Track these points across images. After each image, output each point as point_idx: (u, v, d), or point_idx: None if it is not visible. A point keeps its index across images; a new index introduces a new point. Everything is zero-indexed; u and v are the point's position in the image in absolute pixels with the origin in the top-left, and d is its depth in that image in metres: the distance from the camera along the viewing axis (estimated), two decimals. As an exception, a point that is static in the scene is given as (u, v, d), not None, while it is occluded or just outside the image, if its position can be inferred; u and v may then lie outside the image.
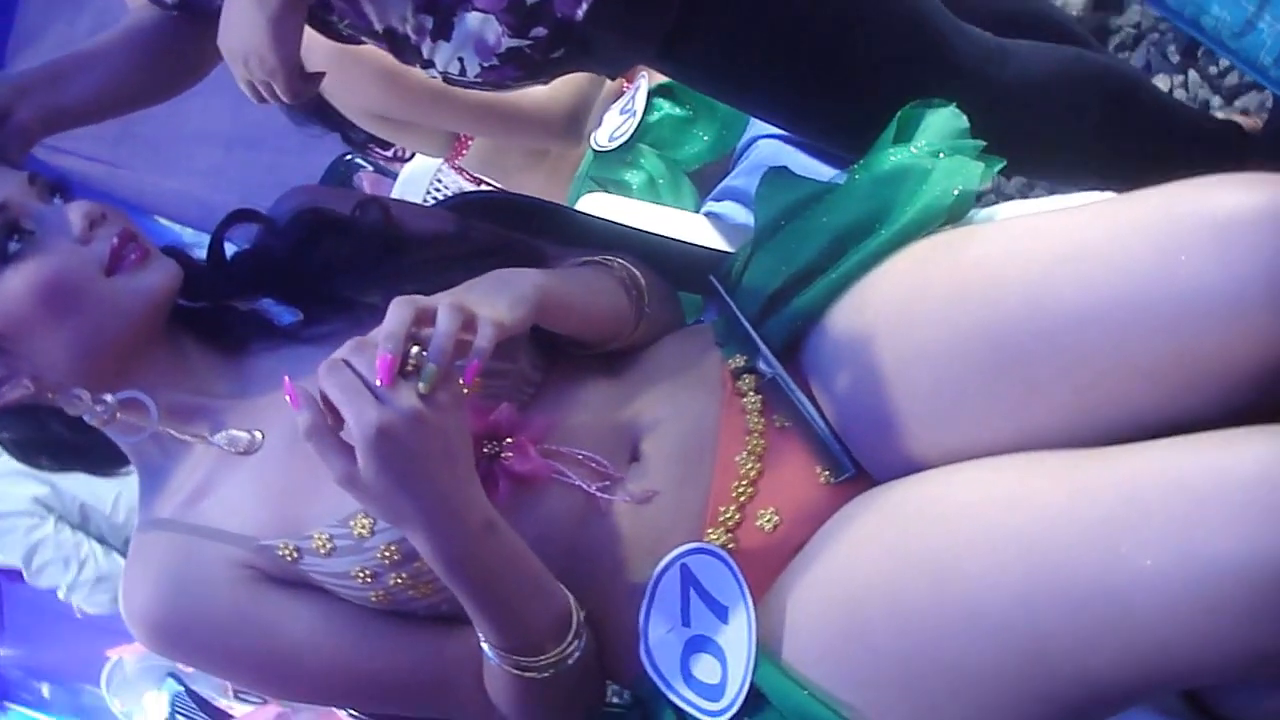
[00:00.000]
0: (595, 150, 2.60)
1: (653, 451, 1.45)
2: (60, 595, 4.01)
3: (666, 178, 2.53)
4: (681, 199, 2.50)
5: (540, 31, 1.56)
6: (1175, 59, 2.59)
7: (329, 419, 1.16)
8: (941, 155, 1.46)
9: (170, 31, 1.77)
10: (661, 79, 2.54)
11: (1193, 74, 2.53)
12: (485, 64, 1.60)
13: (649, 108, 2.56)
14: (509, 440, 1.40)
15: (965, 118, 1.50)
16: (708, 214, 2.36)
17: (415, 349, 1.17)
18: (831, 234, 1.46)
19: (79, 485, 4.01)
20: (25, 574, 4.01)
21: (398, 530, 1.26)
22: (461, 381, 1.20)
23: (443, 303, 1.21)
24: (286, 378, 1.20)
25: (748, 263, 1.58)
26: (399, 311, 1.18)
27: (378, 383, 1.14)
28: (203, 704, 4.36)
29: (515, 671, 1.32)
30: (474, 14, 1.56)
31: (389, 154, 3.61)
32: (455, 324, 1.19)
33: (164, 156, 4.24)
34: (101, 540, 4.12)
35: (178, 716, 4.40)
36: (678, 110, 2.56)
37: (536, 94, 2.41)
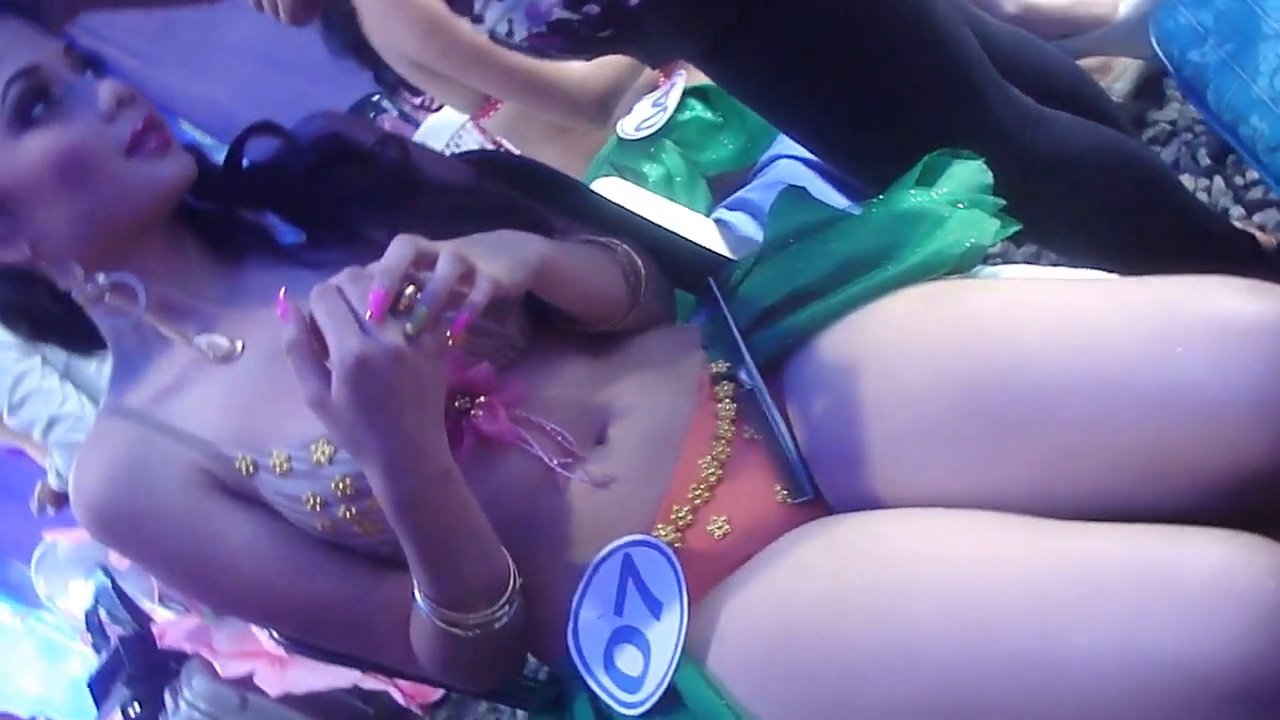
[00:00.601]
0: (620, 137, 2.61)
1: (619, 438, 1.46)
2: (36, 434, 3.96)
3: (684, 177, 2.53)
4: (695, 200, 2.50)
5: (592, 8, 1.56)
6: (1205, 162, 2.59)
7: (313, 342, 1.17)
8: (960, 206, 1.46)
9: None
10: (698, 80, 2.54)
11: (1219, 180, 2.53)
12: (533, 29, 1.60)
13: (681, 106, 2.56)
14: (481, 399, 1.41)
15: (990, 174, 1.51)
16: (717, 220, 2.36)
17: (410, 289, 1.18)
18: (838, 260, 1.47)
19: None
20: (5, 409, 3.96)
21: (356, 464, 1.27)
22: (449, 331, 1.21)
23: (445, 250, 1.22)
24: (283, 290, 1.20)
25: (749, 273, 1.59)
26: (401, 249, 1.19)
27: (367, 315, 1.15)
28: (127, 602, 4.35)
29: (442, 625, 1.33)
30: None
31: (417, 101, 3.60)
32: (454, 273, 1.20)
33: (199, 62, 4.24)
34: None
35: (100, 608, 4.40)
36: (708, 114, 2.56)
37: (574, 70, 2.40)
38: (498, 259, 1.33)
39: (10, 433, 4.36)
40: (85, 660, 4.64)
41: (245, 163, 1.60)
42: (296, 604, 1.45)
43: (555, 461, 1.42)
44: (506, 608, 1.35)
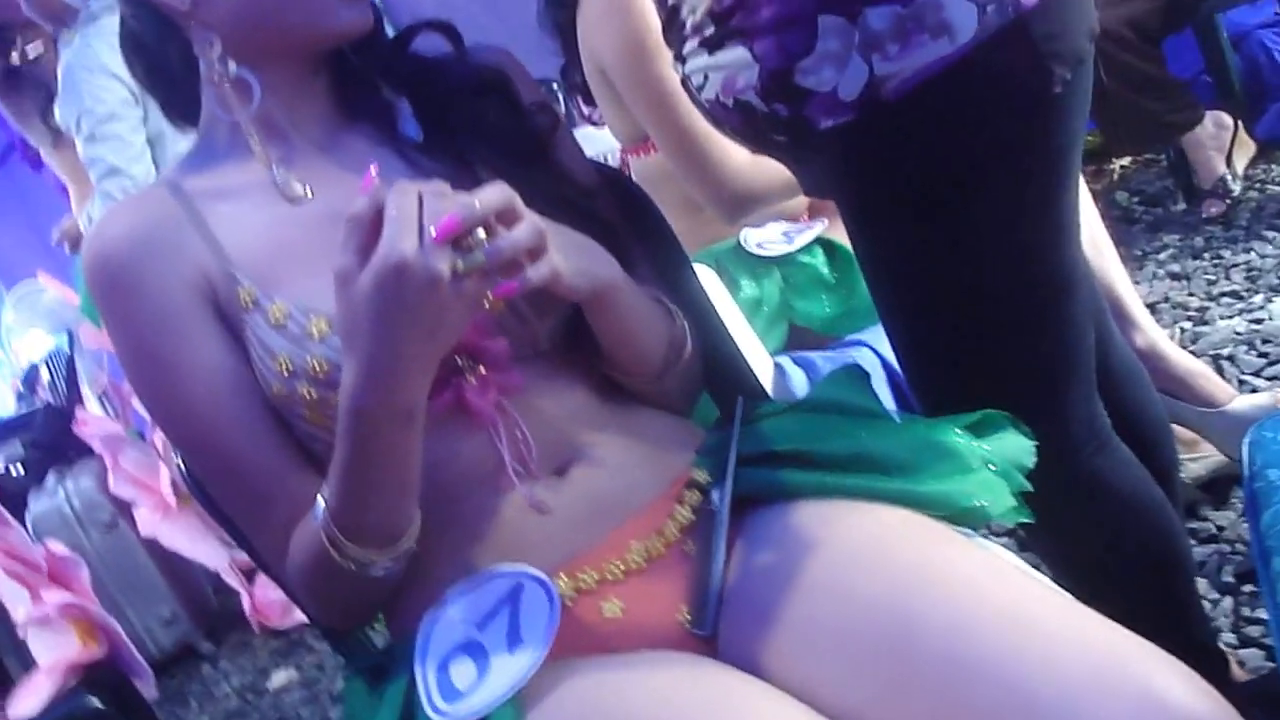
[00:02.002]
0: (739, 243, 2.61)
1: (576, 481, 1.45)
2: (94, 174, 3.92)
3: (772, 310, 2.53)
4: (770, 336, 2.49)
5: (781, 109, 1.56)
6: (1226, 579, 2.58)
7: (373, 225, 1.19)
8: (991, 468, 1.45)
9: None
10: (834, 235, 2.54)
11: (1227, 602, 2.52)
12: (720, 96, 1.61)
13: (806, 248, 2.56)
14: (480, 369, 1.41)
15: (1034, 460, 1.50)
16: (777, 364, 2.36)
17: (482, 233, 1.20)
18: (857, 449, 1.46)
19: None
20: (82, 129, 3.94)
21: (339, 355, 1.27)
22: (491, 290, 1.22)
23: (531, 219, 1.24)
24: (374, 167, 1.24)
25: (776, 414, 1.58)
26: (495, 194, 1.22)
27: (431, 232, 1.17)
28: (72, 378, 4.37)
29: (324, 541, 1.34)
30: (745, 52, 1.56)
31: (587, 111, 3.61)
32: (528, 243, 1.23)
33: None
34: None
35: (46, 365, 4.42)
36: (825, 270, 2.56)
37: (736, 158, 2.39)
38: (572, 258, 1.34)
39: (68, 165, 4.35)
40: (2, 399, 4.65)
41: (411, 48, 1.63)
42: (218, 444, 1.45)
43: (511, 464, 1.42)
44: (390, 562, 1.36)
